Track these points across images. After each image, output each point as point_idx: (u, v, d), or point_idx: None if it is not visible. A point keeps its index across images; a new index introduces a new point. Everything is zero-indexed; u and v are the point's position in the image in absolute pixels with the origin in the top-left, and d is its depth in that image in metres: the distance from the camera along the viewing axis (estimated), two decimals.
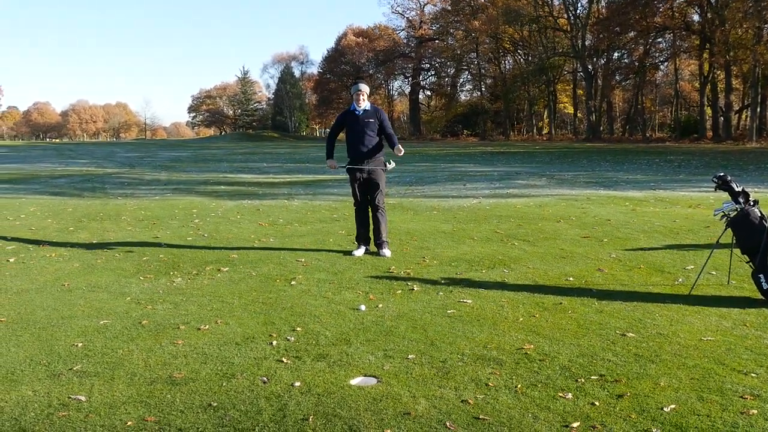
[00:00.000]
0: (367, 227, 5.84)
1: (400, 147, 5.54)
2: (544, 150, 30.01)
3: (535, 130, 54.56)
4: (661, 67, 46.89)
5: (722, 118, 37.38)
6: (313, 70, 76.29)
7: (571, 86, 51.57)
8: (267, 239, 6.72)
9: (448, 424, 2.48)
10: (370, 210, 5.82)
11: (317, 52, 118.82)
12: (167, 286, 4.72)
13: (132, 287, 4.68)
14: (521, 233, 6.90)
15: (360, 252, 5.78)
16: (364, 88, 5.67)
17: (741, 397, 2.70)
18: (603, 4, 44.64)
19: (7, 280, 4.91)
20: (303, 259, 5.61)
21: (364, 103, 5.65)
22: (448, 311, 3.98)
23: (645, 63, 42.33)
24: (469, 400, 2.68)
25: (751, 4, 31.05)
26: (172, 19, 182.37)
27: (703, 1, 36.13)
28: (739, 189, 4.31)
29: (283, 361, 3.14)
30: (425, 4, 59.83)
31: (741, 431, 2.41)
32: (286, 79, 73.38)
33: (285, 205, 9.83)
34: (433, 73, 63.15)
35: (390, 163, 5.69)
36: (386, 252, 5.70)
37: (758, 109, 34.33)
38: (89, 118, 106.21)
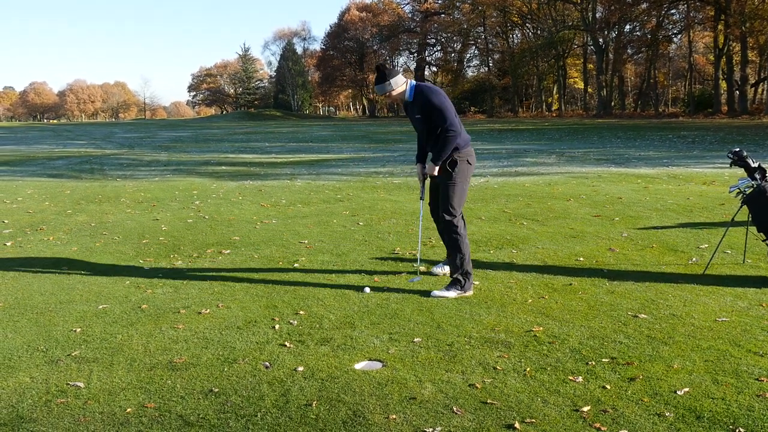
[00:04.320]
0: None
1: (428, 173, 4.01)
2: (554, 126, 29.64)
3: (544, 107, 53.88)
4: (675, 39, 46.01)
5: (737, 91, 36.67)
6: (316, 46, 75.60)
7: (582, 60, 50.68)
8: (269, 221, 6.65)
9: (455, 408, 2.42)
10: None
11: (320, 28, 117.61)
12: (167, 269, 4.67)
13: (131, 271, 4.64)
14: (530, 212, 6.79)
15: (439, 269, 4.34)
16: (381, 89, 3.92)
17: (757, 379, 2.62)
18: None
19: (4, 265, 4.87)
20: (306, 241, 5.54)
21: (403, 93, 3.94)
22: None
23: (658, 35, 41.46)
24: (477, 384, 2.63)
25: None
26: None
27: None
28: (756, 165, 4.19)
29: (285, 346, 3.09)
30: None
31: (757, 414, 2.33)
32: (288, 56, 72.61)
33: (288, 186, 9.75)
34: (439, 48, 62.33)
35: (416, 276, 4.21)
36: (441, 293, 3.86)
37: None
38: (87, 98, 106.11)
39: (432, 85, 4.06)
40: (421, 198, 4.31)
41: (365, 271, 4.46)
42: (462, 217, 4.01)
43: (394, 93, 3.91)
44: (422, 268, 4.45)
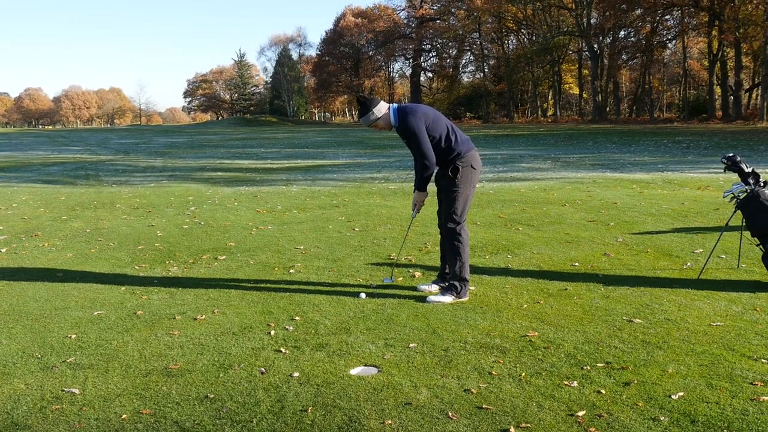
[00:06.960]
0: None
1: (416, 202, 3.99)
2: (549, 132, 29.77)
3: (539, 112, 54.07)
4: (669, 45, 46.31)
5: (732, 97, 36.90)
6: (312, 52, 75.80)
7: (577, 66, 50.96)
8: (265, 226, 6.65)
9: (450, 414, 2.43)
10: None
11: (315, 34, 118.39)
12: (163, 275, 4.67)
13: (127, 277, 4.63)
14: (525, 218, 6.81)
15: (426, 287, 4.09)
16: (366, 120, 3.81)
17: (751, 383, 2.64)
18: None
19: None
20: (302, 247, 5.54)
21: (388, 119, 3.81)
22: None
23: (652, 41, 41.72)
24: (472, 389, 2.63)
25: None
26: (166, 0, 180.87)
27: None
28: (749, 170, 4.22)
29: (281, 351, 3.09)
30: None
31: (751, 418, 2.34)
32: (283, 62, 72.73)
33: (283, 192, 9.76)
34: (434, 54, 62.53)
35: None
36: (437, 298, 3.85)
37: None
38: (82, 104, 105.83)
39: (411, 105, 3.94)
40: (413, 216, 4.18)
41: (361, 277, 4.46)
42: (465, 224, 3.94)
43: (380, 121, 3.78)
44: (418, 274, 4.45)
